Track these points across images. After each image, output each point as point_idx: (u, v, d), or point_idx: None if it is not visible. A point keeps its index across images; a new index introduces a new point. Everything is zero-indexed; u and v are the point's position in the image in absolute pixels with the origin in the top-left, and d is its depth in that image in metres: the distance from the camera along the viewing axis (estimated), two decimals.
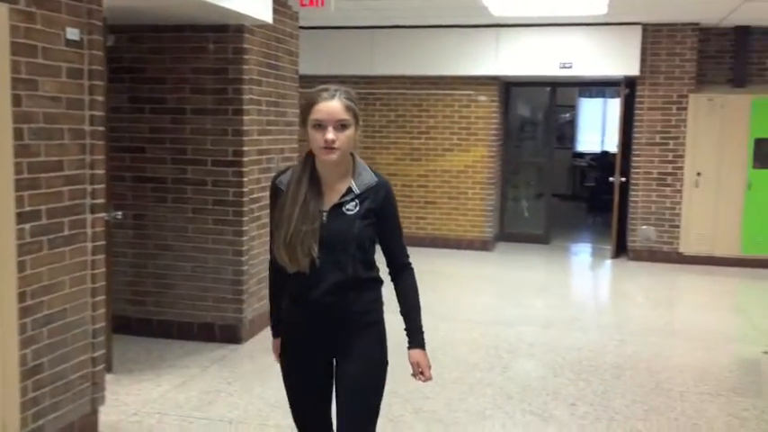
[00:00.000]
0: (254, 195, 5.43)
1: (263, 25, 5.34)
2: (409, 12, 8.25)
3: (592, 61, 8.76)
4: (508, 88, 9.96)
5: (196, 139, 5.25)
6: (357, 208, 2.33)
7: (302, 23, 6.28)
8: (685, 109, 8.71)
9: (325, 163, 2.30)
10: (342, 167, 2.35)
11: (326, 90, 2.27)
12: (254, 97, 5.32)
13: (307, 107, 2.29)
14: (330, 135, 2.23)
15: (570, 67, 8.80)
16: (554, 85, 9.93)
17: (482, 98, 9.35)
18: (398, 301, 2.47)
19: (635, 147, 8.96)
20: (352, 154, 2.37)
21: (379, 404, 2.44)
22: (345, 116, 2.25)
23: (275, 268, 2.43)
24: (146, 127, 5.33)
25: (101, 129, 3.59)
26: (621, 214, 9.37)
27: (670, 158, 8.83)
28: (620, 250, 9.37)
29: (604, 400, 4.40)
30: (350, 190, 2.34)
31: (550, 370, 4.94)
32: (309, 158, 2.35)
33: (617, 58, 8.65)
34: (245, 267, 5.32)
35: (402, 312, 2.46)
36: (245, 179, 5.26)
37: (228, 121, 5.20)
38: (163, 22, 5.11)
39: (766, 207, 8.54)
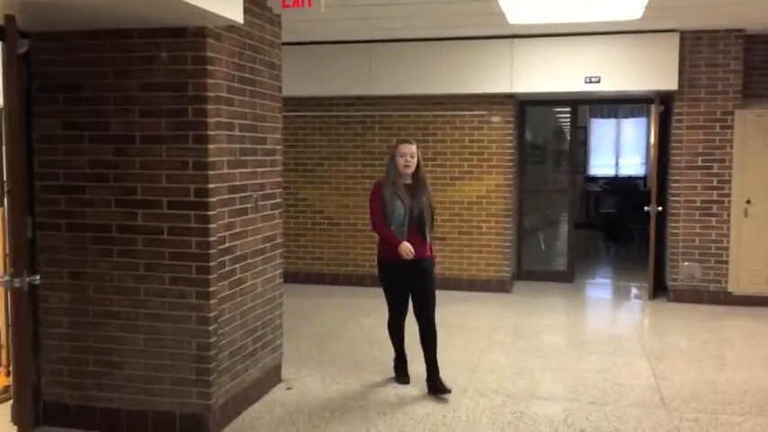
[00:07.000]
0: (226, 245, 4.24)
1: (233, 28, 4.20)
2: (413, 21, 7.13)
3: (622, 75, 7.64)
4: (523, 107, 8.84)
5: (148, 175, 4.08)
6: None
7: (287, 38, 5.15)
8: (731, 127, 7.59)
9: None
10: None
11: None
12: (222, 120, 4.16)
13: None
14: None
15: (598, 82, 7.67)
16: (575, 102, 8.81)
17: (496, 119, 8.23)
18: None
19: (673, 171, 7.82)
20: None
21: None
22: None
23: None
24: (84, 160, 4.15)
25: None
26: (657, 248, 8.21)
27: (714, 184, 7.68)
28: (658, 289, 8.19)
29: None
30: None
31: None
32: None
33: (651, 70, 7.54)
34: (212, 339, 4.11)
35: None
36: (213, 225, 4.08)
37: (189, 150, 4.03)
38: (102, 25, 3.97)
39: None
